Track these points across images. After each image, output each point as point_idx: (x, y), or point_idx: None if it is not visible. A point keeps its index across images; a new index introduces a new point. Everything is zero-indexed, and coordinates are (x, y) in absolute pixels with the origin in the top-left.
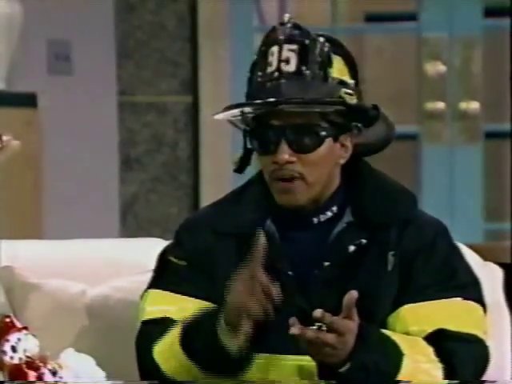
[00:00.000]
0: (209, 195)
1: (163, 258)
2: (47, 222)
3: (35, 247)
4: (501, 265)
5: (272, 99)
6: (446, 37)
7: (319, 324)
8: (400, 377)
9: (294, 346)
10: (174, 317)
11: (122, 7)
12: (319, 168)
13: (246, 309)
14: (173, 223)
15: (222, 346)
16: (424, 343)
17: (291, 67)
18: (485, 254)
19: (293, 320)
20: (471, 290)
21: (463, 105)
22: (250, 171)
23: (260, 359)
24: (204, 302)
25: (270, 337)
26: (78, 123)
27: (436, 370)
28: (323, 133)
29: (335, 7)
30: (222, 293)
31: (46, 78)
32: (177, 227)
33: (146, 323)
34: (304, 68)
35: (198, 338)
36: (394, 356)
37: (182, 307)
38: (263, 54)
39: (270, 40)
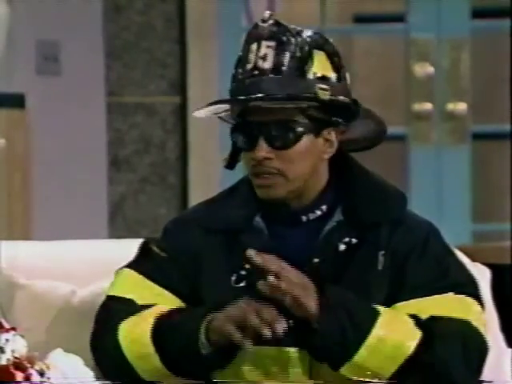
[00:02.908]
0: (197, 196)
1: (145, 245)
2: (35, 222)
3: (23, 248)
4: (489, 266)
5: (243, 97)
6: (433, 38)
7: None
8: (371, 336)
9: (282, 338)
10: (139, 302)
11: (110, 8)
12: (299, 163)
13: (242, 323)
14: (161, 224)
15: (198, 353)
16: (404, 314)
17: (268, 64)
18: (473, 255)
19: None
20: (465, 287)
21: (451, 106)
22: (242, 172)
23: (249, 351)
24: (172, 295)
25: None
26: (66, 124)
27: (414, 329)
28: (300, 129)
29: (324, 8)
30: (206, 289)
31: (35, 78)
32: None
33: (110, 298)
34: (281, 64)
35: (173, 337)
36: (367, 310)
37: (149, 294)
38: (244, 51)
39: (250, 37)
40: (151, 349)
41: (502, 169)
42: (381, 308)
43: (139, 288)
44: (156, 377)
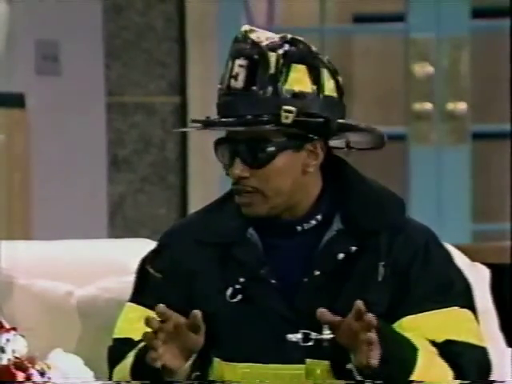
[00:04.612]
0: (197, 196)
1: (142, 266)
2: (35, 222)
3: (23, 248)
4: (488, 265)
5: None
6: (433, 37)
7: (304, 331)
8: (417, 370)
9: (276, 355)
10: (138, 337)
11: (109, 8)
12: (276, 180)
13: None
14: (161, 224)
15: (164, 381)
16: (427, 342)
17: (239, 83)
18: (472, 255)
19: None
20: (466, 297)
21: (451, 105)
22: None
23: (243, 368)
24: None
25: (252, 345)
26: (66, 123)
27: (446, 366)
28: (273, 148)
29: (324, 8)
30: (201, 305)
31: (34, 78)
32: (164, 229)
33: (115, 340)
34: (252, 84)
35: (143, 370)
36: (409, 349)
37: None
38: (225, 67)
39: (229, 52)
40: None
41: (502, 169)
42: (418, 352)
43: (138, 322)
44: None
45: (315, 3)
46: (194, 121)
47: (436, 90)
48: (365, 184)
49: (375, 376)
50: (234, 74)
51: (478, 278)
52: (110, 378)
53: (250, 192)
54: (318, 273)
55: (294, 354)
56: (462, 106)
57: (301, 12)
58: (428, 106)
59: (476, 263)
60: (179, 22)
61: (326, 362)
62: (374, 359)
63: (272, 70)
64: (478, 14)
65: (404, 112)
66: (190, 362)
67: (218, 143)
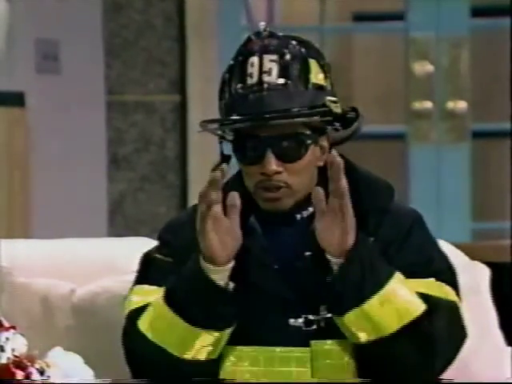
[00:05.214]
0: (196, 194)
1: (148, 257)
2: (35, 221)
3: (23, 246)
4: (488, 264)
5: (260, 113)
6: (433, 36)
7: (305, 316)
8: (387, 288)
9: (282, 337)
10: None
11: (109, 6)
12: (303, 175)
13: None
14: (161, 222)
15: (206, 280)
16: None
17: (273, 78)
18: (472, 253)
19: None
20: (446, 275)
21: (451, 104)
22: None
23: (250, 351)
24: None
25: (258, 328)
26: (66, 122)
27: (419, 300)
28: (308, 141)
29: (323, 6)
30: None
31: (34, 76)
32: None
33: (131, 312)
34: (286, 78)
35: (181, 285)
36: (386, 264)
37: None
38: (242, 65)
39: (247, 50)
40: (169, 314)
41: (502, 167)
42: (394, 274)
43: (154, 294)
44: (189, 346)
45: (315, 2)
46: (213, 120)
47: (436, 89)
48: (353, 170)
49: (349, 277)
50: (266, 69)
51: (478, 276)
52: (127, 347)
53: (280, 187)
54: (308, 253)
55: (299, 337)
56: (461, 104)
57: (301, 11)
58: (428, 104)
59: (476, 262)
60: (179, 20)
61: (331, 342)
62: (350, 240)
63: (299, 65)
64: (477, 12)
65: (404, 111)
66: (231, 264)
67: (240, 139)
